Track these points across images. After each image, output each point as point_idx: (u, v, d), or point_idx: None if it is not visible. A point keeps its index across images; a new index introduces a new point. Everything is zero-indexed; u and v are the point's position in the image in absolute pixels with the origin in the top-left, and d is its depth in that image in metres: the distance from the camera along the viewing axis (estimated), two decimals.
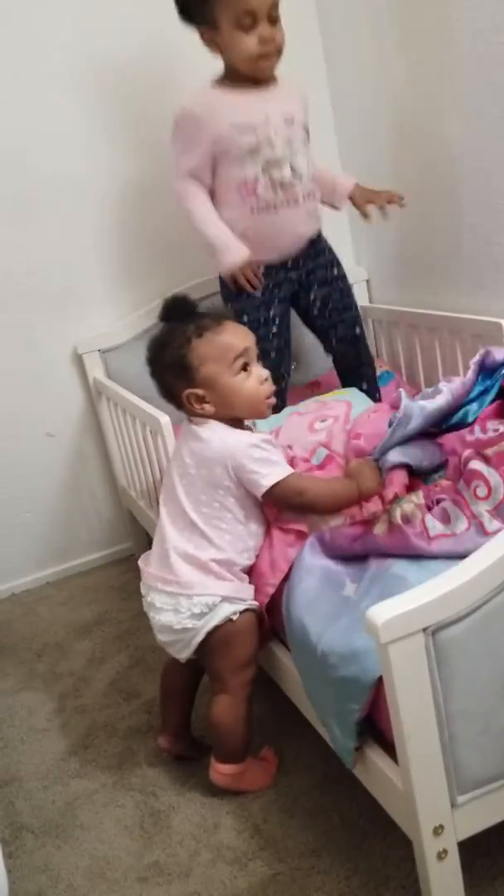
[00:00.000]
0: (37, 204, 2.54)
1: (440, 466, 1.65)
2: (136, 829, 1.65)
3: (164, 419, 1.96)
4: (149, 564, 1.67)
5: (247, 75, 2.09)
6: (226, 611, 1.59)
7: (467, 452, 1.50)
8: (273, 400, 1.71)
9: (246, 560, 1.65)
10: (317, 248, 2.31)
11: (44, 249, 2.58)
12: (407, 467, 1.62)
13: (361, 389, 2.43)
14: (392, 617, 1.06)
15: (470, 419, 1.68)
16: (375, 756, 1.31)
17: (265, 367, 2.15)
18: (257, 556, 1.66)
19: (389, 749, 1.27)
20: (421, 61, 2.28)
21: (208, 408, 1.64)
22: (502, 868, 1.39)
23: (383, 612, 1.07)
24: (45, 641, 2.45)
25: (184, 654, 1.64)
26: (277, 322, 2.28)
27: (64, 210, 2.57)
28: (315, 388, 2.70)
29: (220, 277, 2.31)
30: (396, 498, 1.50)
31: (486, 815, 1.23)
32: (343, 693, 1.32)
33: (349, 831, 1.53)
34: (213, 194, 2.20)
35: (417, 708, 1.12)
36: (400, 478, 1.60)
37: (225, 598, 1.59)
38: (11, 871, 1.59)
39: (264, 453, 1.61)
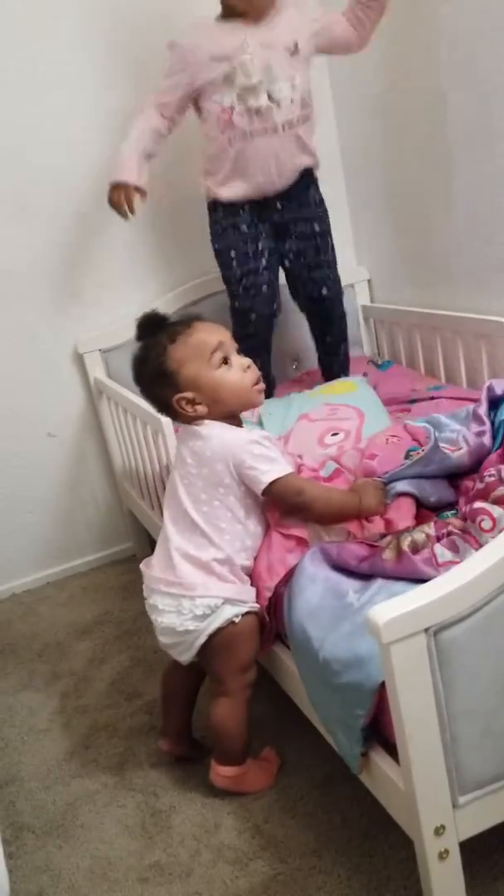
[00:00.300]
0: (38, 203, 2.54)
1: (452, 505, 1.65)
2: (137, 830, 1.65)
3: (166, 419, 1.95)
4: (151, 568, 1.67)
5: (237, 8, 2.10)
6: (228, 613, 1.59)
7: (471, 503, 1.52)
8: (262, 386, 1.71)
9: (245, 560, 1.64)
10: (303, 197, 2.30)
11: (44, 248, 2.58)
12: (413, 498, 1.63)
13: (325, 343, 2.47)
14: (394, 617, 1.06)
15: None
16: (377, 756, 1.31)
17: (259, 299, 2.16)
18: (256, 559, 1.66)
19: (391, 750, 1.27)
20: (423, 62, 2.28)
21: (200, 409, 1.64)
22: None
23: (385, 612, 1.07)
24: (45, 641, 2.45)
25: (185, 657, 1.64)
26: (266, 255, 2.28)
27: (65, 209, 2.57)
28: (313, 376, 2.71)
29: (210, 225, 2.32)
30: (408, 529, 1.51)
31: (487, 815, 1.23)
32: (347, 699, 1.31)
33: (350, 831, 1.53)
34: (202, 133, 2.21)
35: (419, 708, 1.12)
36: (406, 506, 1.61)
37: (227, 601, 1.59)
38: (12, 871, 1.59)
39: (264, 450, 1.62)
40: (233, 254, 2.27)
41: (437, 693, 1.12)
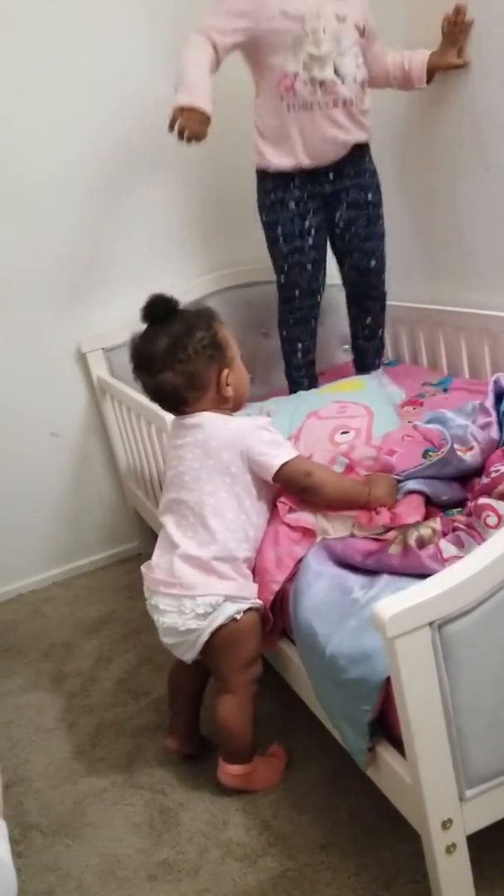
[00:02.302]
0: (40, 202, 2.54)
1: (460, 503, 1.65)
2: (145, 827, 1.65)
3: (170, 417, 1.95)
4: (151, 570, 1.67)
5: None
6: (229, 610, 1.58)
7: (476, 498, 1.52)
8: None
9: (246, 551, 1.63)
10: (358, 167, 2.27)
11: (47, 248, 2.58)
12: (424, 496, 1.64)
13: (364, 324, 2.46)
14: (399, 611, 1.06)
15: None
16: (384, 751, 1.31)
17: (303, 276, 2.25)
18: (262, 553, 1.66)
19: (398, 744, 1.27)
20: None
21: (230, 390, 1.67)
22: None
23: (390, 606, 1.07)
24: (52, 641, 2.45)
25: (189, 656, 1.64)
26: (313, 234, 2.26)
27: (67, 208, 2.58)
28: (322, 377, 2.70)
29: (258, 195, 2.28)
30: (415, 524, 1.51)
31: (494, 808, 1.23)
32: (353, 695, 1.31)
33: (358, 826, 1.53)
34: (259, 89, 2.17)
35: (425, 702, 1.12)
36: (416, 503, 1.61)
37: (228, 598, 1.58)
38: (21, 870, 1.59)
39: (272, 435, 1.65)
40: (279, 230, 2.25)
41: (443, 686, 1.12)
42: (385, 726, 1.32)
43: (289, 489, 1.67)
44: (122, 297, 2.68)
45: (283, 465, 1.61)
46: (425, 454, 1.74)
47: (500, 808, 1.23)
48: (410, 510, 1.59)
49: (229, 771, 1.65)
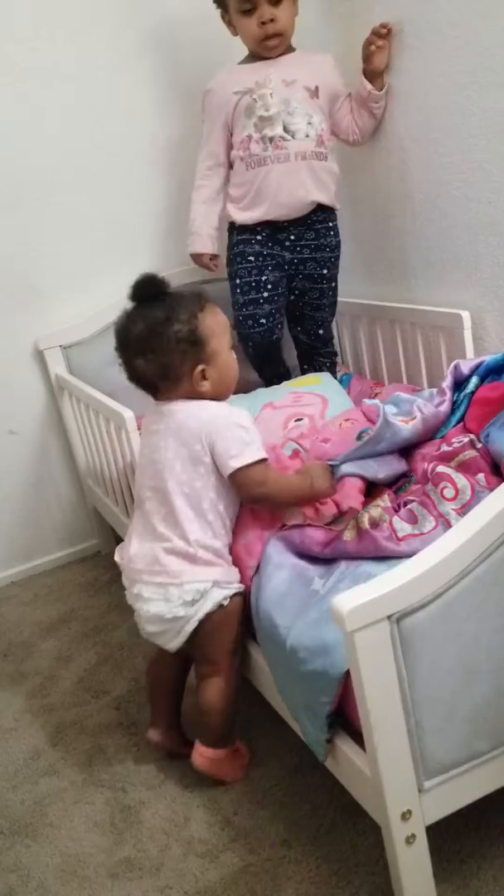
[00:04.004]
0: None
1: (407, 476, 1.66)
2: (106, 826, 1.64)
3: (129, 414, 1.95)
4: (130, 560, 1.63)
5: (258, 55, 2.22)
6: (217, 596, 1.57)
7: (433, 463, 1.54)
8: None
9: (224, 537, 1.63)
10: (321, 239, 2.35)
11: (3, 241, 2.55)
12: (361, 477, 1.65)
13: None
14: (357, 605, 1.07)
15: (441, 435, 1.72)
16: (343, 744, 1.32)
17: (256, 330, 2.31)
18: (234, 539, 1.66)
19: (357, 736, 1.28)
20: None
21: (207, 385, 1.63)
22: (470, 851, 1.40)
23: (348, 600, 1.08)
24: (10, 641, 2.43)
25: (174, 644, 1.61)
26: (269, 288, 2.32)
27: (24, 201, 2.54)
28: None
29: (227, 248, 2.41)
30: (364, 506, 1.52)
31: (452, 799, 1.25)
32: (313, 687, 1.32)
33: (319, 820, 1.54)
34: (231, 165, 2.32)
35: (383, 695, 1.13)
36: (348, 486, 1.63)
37: (216, 584, 1.57)
38: None
39: (241, 433, 1.60)
40: (238, 281, 2.32)
41: (401, 679, 1.13)
42: (344, 718, 1.34)
43: (240, 493, 1.65)
44: (79, 295, 2.66)
45: (239, 469, 1.58)
46: (359, 436, 1.75)
47: (458, 798, 1.25)
48: (345, 495, 1.61)
49: (204, 753, 1.63)
